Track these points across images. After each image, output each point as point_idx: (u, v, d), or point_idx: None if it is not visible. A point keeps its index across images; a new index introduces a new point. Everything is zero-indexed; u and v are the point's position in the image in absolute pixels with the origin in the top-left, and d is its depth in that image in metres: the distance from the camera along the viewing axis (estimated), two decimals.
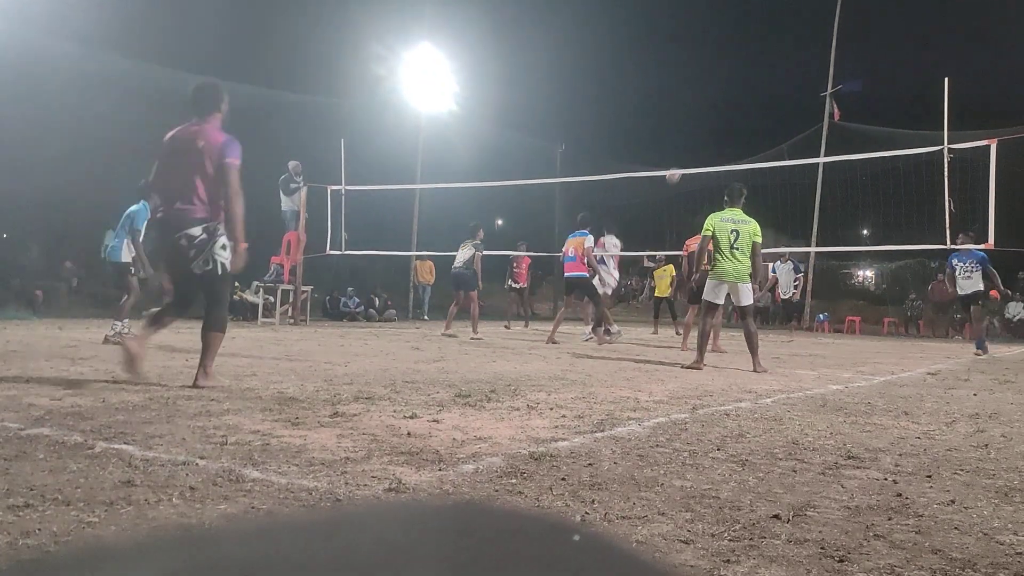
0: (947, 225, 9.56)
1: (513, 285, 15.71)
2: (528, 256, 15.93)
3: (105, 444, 2.67)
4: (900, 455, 3.03)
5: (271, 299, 12.96)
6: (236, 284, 12.38)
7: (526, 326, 14.80)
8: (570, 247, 10.15)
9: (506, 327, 14.24)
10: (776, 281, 13.97)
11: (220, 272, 4.34)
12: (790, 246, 16.52)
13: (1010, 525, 2.10)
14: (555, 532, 0.36)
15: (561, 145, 23.72)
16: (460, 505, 0.45)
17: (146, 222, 7.75)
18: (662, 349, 9.64)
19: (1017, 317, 19.91)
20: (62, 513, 1.87)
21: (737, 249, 6.80)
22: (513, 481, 2.38)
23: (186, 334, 7.78)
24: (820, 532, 1.96)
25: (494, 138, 21.64)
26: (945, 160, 9.44)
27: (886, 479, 2.60)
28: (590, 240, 10.04)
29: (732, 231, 6.83)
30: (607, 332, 10.54)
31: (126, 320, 7.60)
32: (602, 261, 10.94)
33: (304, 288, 13.38)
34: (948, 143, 9.44)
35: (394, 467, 2.50)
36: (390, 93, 18.95)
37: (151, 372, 4.86)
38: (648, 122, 46.53)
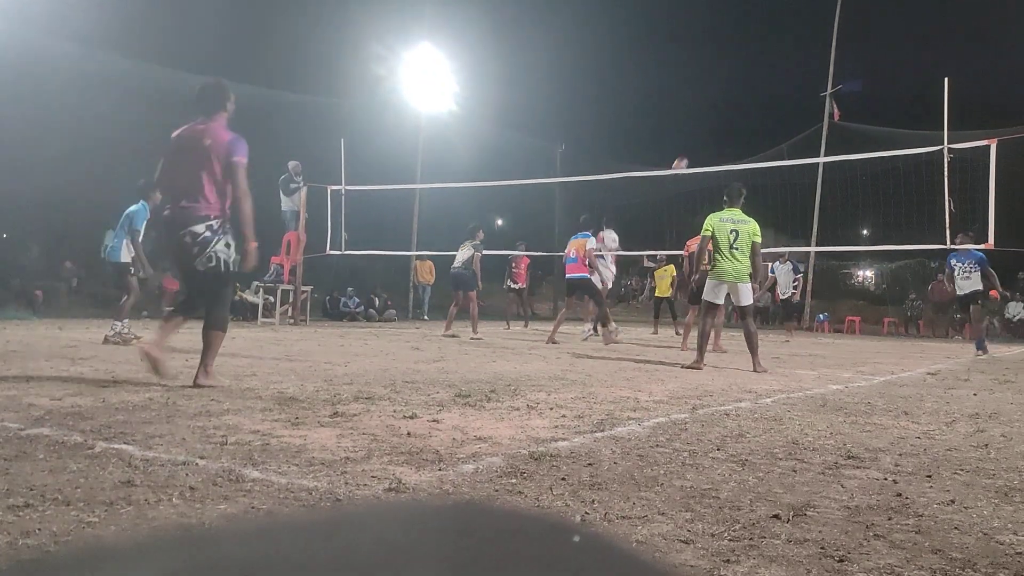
0: (947, 225, 9.57)
1: (512, 285, 15.71)
2: (527, 256, 15.93)
3: (105, 444, 2.67)
4: (900, 455, 3.03)
5: (271, 299, 12.96)
6: (236, 284, 12.38)
7: (525, 326, 14.80)
8: (572, 248, 10.16)
9: (506, 327, 14.25)
10: (775, 282, 13.95)
11: (223, 270, 4.34)
12: (790, 246, 16.53)
13: (1010, 525, 2.10)
14: (555, 532, 0.36)
15: (561, 145, 23.73)
16: (460, 505, 0.45)
17: (145, 222, 7.75)
18: (662, 349, 9.64)
19: (1017, 317, 19.92)
20: (62, 513, 1.87)
21: (737, 249, 6.80)
22: (513, 481, 2.38)
23: (186, 334, 7.76)
24: (820, 532, 1.96)
25: (494, 138, 21.66)
26: (945, 160, 9.44)
27: (886, 479, 2.60)
28: (592, 242, 10.05)
29: (731, 231, 6.83)
30: (598, 329, 10.53)
31: (126, 320, 7.59)
32: (600, 256, 10.94)
33: (304, 288, 13.38)
34: (948, 143, 9.44)
35: (394, 467, 2.50)
36: (390, 93, 18.97)
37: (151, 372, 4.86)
38: (648, 122, 46.51)
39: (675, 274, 14.28)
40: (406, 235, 18.49)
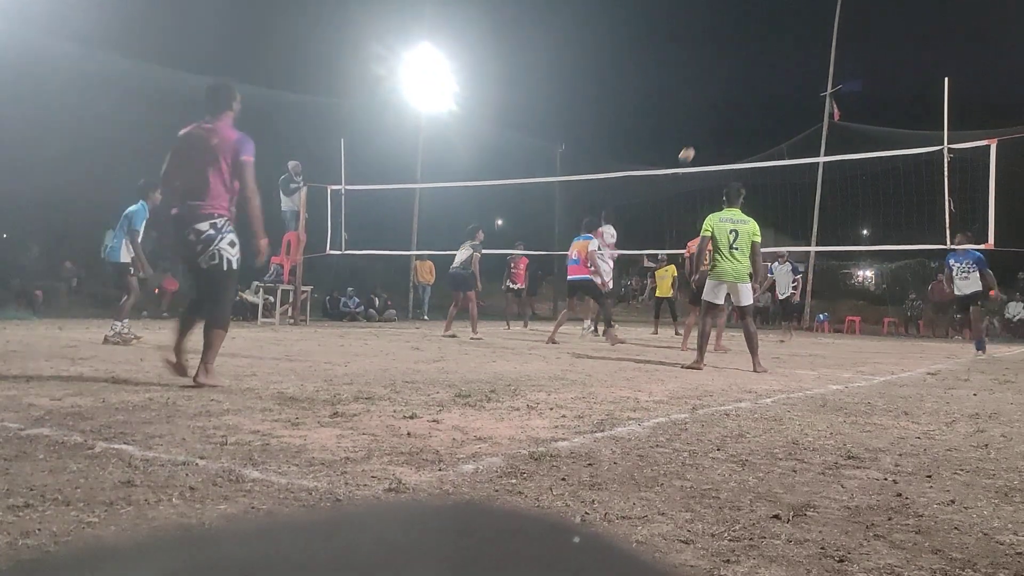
0: (947, 225, 9.57)
1: (511, 286, 15.71)
2: (526, 256, 15.93)
3: (105, 444, 2.67)
4: (900, 455, 3.03)
5: (271, 299, 12.96)
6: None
7: (525, 326, 14.80)
8: (575, 250, 10.17)
9: (506, 327, 14.25)
10: (773, 282, 13.94)
11: (225, 268, 4.36)
12: (790, 246, 16.52)
13: (1010, 525, 2.10)
14: (555, 532, 0.36)
15: (561, 145, 23.74)
16: (460, 505, 0.45)
17: (144, 222, 7.75)
18: (662, 349, 9.64)
19: (1017, 317, 19.92)
20: (62, 513, 1.87)
21: (736, 249, 6.80)
22: (513, 481, 2.38)
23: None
24: (820, 532, 1.96)
25: (494, 138, 21.66)
26: (945, 160, 9.45)
27: (886, 479, 2.60)
28: (594, 244, 10.05)
29: (731, 231, 6.83)
30: (598, 329, 10.52)
31: (126, 320, 7.59)
32: (600, 254, 10.94)
33: (304, 288, 13.38)
34: (948, 143, 9.45)
35: (394, 467, 2.50)
36: (390, 93, 18.97)
37: (151, 372, 4.87)
38: (648, 122, 46.50)
39: (676, 274, 14.27)
40: (406, 235, 18.50)
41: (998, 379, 6.82)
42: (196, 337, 4.41)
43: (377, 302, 16.69)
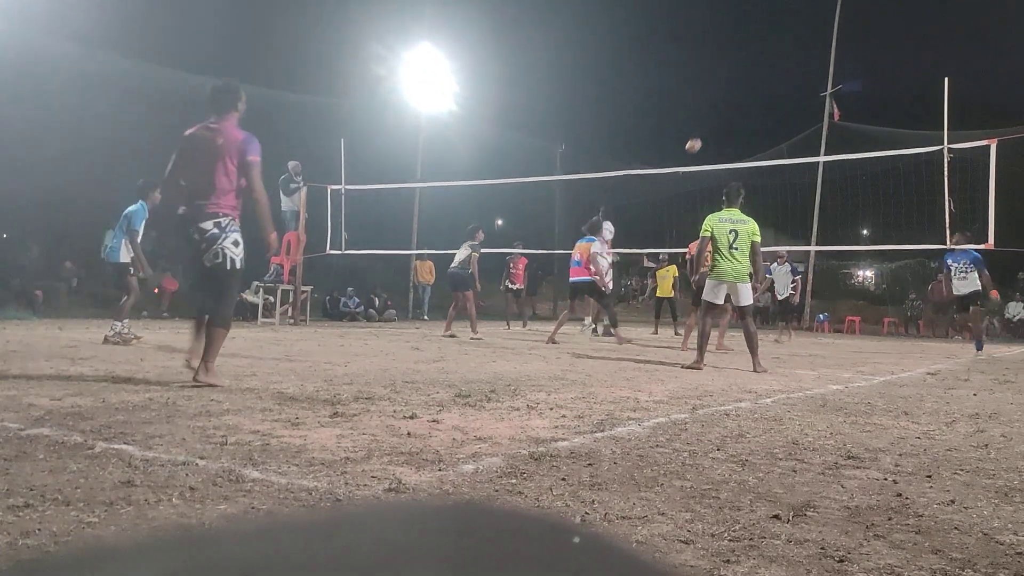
0: (947, 225, 9.57)
1: (510, 286, 15.71)
2: (525, 256, 15.92)
3: (105, 444, 2.67)
4: (900, 455, 3.03)
5: (271, 299, 12.96)
6: None
7: (524, 326, 14.80)
8: (577, 252, 10.18)
9: (506, 327, 14.25)
10: (772, 283, 13.93)
11: (229, 267, 4.36)
12: (790, 246, 16.52)
13: (1010, 525, 2.10)
14: (555, 532, 0.36)
15: (561, 145, 23.75)
16: (460, 505, 0.45)
17: (144, 222, 7.75)
18: (662, 349, 9.64)
19: (1017, 317, 19.92)
20: (62, 513, 1.87)
21: (736, 249, 6.80)
22: (513, 481, 2.38)
23: (186, 334, 7.78)
24: (820, 532, 1.96)
25: (494, 138, 21.66)
26: (945, 160, 9.45)
27: (886, 479, 2.60)
28: (597, 246, 10.05)
29: (731, 231, 6.83)
30: (599, 329, 10.51)
31: (126, 320, 7.59)
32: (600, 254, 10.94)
33: (304, 288, 13.38)
34: (948, 143, 9.45)
35: (394, 467, 2.50)
36: (390, 93, 18.98)
37: (151, 372, 4.87)
38: (648, 122, 46.47)
39: (677, 274, 14.27)
40: (406, 235, 18.50)
41: (998, 379, 6.82)
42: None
43: (377, 302, 16.68)
